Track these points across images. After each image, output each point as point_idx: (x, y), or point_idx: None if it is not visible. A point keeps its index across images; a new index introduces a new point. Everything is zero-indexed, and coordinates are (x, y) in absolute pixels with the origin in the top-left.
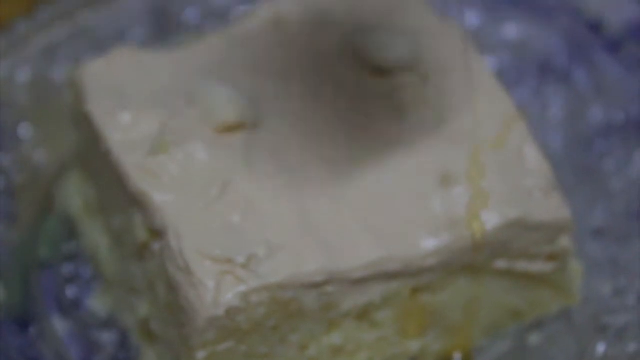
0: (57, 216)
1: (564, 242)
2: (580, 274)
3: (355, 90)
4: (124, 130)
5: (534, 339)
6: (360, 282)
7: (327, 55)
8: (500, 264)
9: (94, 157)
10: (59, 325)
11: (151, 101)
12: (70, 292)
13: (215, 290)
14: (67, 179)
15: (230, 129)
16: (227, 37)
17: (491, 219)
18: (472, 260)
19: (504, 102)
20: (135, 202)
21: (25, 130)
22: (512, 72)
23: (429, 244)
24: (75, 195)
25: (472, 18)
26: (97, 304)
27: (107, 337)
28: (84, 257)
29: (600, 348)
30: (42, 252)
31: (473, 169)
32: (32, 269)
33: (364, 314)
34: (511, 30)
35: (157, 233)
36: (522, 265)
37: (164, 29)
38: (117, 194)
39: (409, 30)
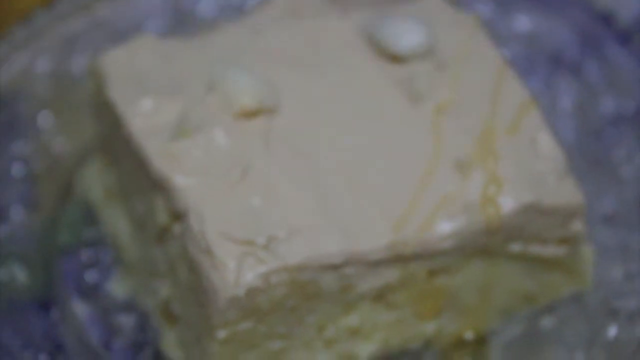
0: (77, 202)
1: (577, 226)
2: (592, 258)
3: (372, 77)
4: (146, 116)
5: (546, 322)
6: (377, 264)
7: (343, 43)
8: (514, 247)
9: (115, 144)
10: (80, 309)
11: (172, 88)
12: (91, 276)
13: (236, 271)
14: (88, 165)
15: (250, 114)
16: (245, 25)
17: (505, 203)
18: (487, 244)
19: (518, 90)
20: (156, 186)
21: (45, 119)
22: (524, 63)
23: (444, 228)
24: (95, 181)
25: (484, 10)
26: (117, 287)
27: (127, 320)
28: (104, 242)
29: (612, 331)
30: (62, 237)
31: (487, 154)
32: (53, 254)
33: (380, 296)
34: (522, 21)
35: (179, 216)
36: (536, 249)
37: (180, 21)
38: (138, 178)
39: (424, 19)
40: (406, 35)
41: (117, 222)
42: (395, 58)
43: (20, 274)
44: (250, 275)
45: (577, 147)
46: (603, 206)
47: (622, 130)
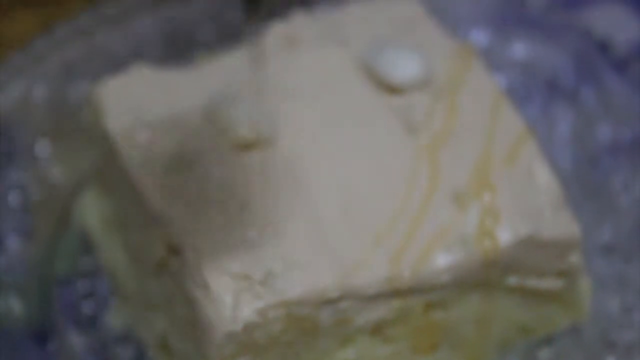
0: (74, 232)
1: (574, 259)
2: (589, 290)
3: (368, 107)
4: (142, 148)
5: (543, 354)
6: (374, 298)
7: (340, 73)
8: (512, 280)
9: (112, 174)
10: (77, 341)
11: (169, 119)
12: (88, 307)
13: (233, 306)
14: (84, 195)
15: (247, 146)
16: (242, 55)
17: (502, 236)
18: (484, 277)
19: (514, 120)
20: (153, 219)
21: (42, 147)
22: (520, 90)
23: (441, 261)
24: (92, 211)
25: (481, 36)
26: (114, 319)
27: (124, 352)
28: (101, 273)
29: None
30: (59, 267)
31: (484, 186)
32: (49, 285)
33: (377, 330)
34: (519, 49)
35: (175, 250)
36: (533, 282)
37: (178, 47)
38: (135, 211)
39: (420, 49)
40: (403, 66)
41: (114, 253)
42: (392, 88)
43: (16, 305)
44: (247, 311)
45: (574, 175)
46: (600, 236)
47: (620, 158)
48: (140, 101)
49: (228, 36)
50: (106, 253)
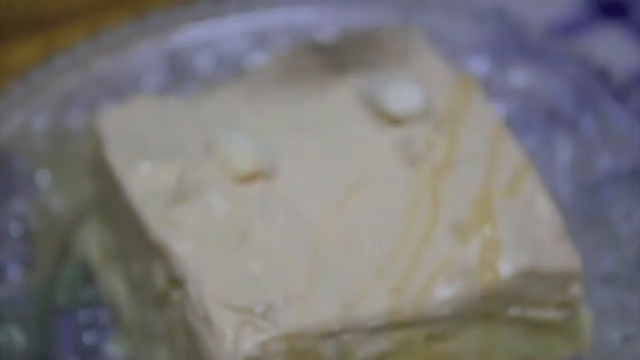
0: (74, 262)
1: (575, 290)
2: (590, 320)
3: (369, 139)
4: (144, 180)
5: None
6: (376, 330)
7: (341, 104)
8: (513, 311)
9: (113, 205)
10: None
11: (170, 151)
12: (88, 338)
13: (234, 340)
14: (85, 225)
15: (248, 178)
16: (243, 86)
17: (504, 268)
18: (485, 309)
19: (515, 151)
20: (155, 251)
21: (42, 177)
22: (520, 119)
23: (442, 293)
24: (93, 242)
25: (481, 65)
26: (115, 350)
27: None
28: (102, 303)
29: None
30: (60, 298)
31: (485, 218)
32: (50, 315)
33: None
34: (519, 77)
35: (177, 282)
36: (534, 313)
37: (178, 75)
38: (136, 242)
39: (420, 80)
40: (403, 97)
41: (115, 284)
42: (393, 120)
43: (17, 335)
44: (249, 345)
45: (574, 204)
46: (601, 266)
47: (620, 188)
48: (141, 132)
49: (227, 64)
50: (107, 284)
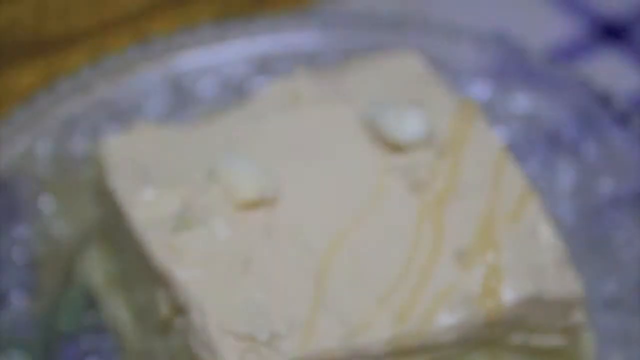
0: (78, 288)
1: (577, 316)
2: (593, 346)
3: (372, 165)
4: (147, 207)
5: None
6: (379, 357)
7: (344, 130)
8: (516, 338)
9: (116, 232)
10: None
11: (173, 177)
12: None
13: None
14: (89, 251)
15: (251, 205)
16: (245, 112)
17: (506, 295)
18: (488, 335)
19: (517, 178)
20: (158, 278)
21: (45, 203)
22: (522, 143)
23: (445, 320)
24: (96, 267)
25: (483, 90)
26: None
27: None
28: (105, 329)
29: None
30: (63, 323)
31: (488, 245)
32: (53, 341)
33: None
34: (521, 102)
35: (181, 309)
36: (537, 339)
37: (181, 100)
38: (139, 269)
39: (422, 106)
40: (406, 124)
41: (118, 309)
42: (395, 146)
43: None
44: None
45: (577, 229)
46: (603, 290)
47: (622, 212)
48: (144, 159)
49: (230, 89)
50: (110, 310)
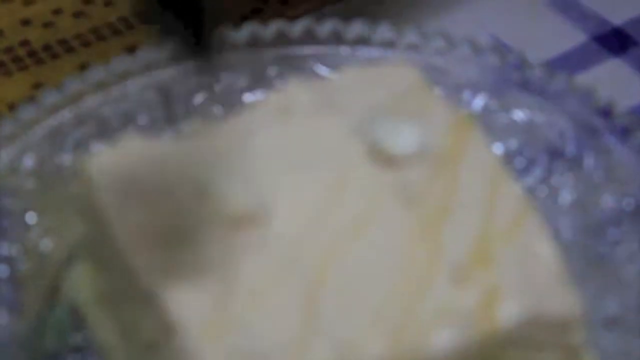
0: (64, 306)
1: (577, 335)
2: None
3: (365, 180)
4: (135, 223)
5: None
6: None
7: (336, 144)
8: (513, 357)
9: (102, 249)
10: None
11: (161, 193)
12: None
13: None
14: (75, 268)
15: (240, 222)
16: (236, 125)
17: (503, 314)
18: (485, 354)
19: (514, 193)
20: (145, 297)
21: (31, 218)
22: (521, 157)
23: (441, 340)
24: (82, 285)
25: (481, 102)
26: None
27: None
28: (92, 348)
29: None
30: (48, 342)
31: (484, 262)
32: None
33: None
34: (520, 115)
35: (169, 328)
36: (535, 358)
37: (170, 113)
38: (126, 287)
39: (418, 119)
40: (401, 138)
41: (105, 329)
42: (390, 160)
43: None
44: None
45: (577, 244)
46: (604, 309)
47: (623, 228)
48: (131, 174)
49: (221, 102)
50: (97, 329)
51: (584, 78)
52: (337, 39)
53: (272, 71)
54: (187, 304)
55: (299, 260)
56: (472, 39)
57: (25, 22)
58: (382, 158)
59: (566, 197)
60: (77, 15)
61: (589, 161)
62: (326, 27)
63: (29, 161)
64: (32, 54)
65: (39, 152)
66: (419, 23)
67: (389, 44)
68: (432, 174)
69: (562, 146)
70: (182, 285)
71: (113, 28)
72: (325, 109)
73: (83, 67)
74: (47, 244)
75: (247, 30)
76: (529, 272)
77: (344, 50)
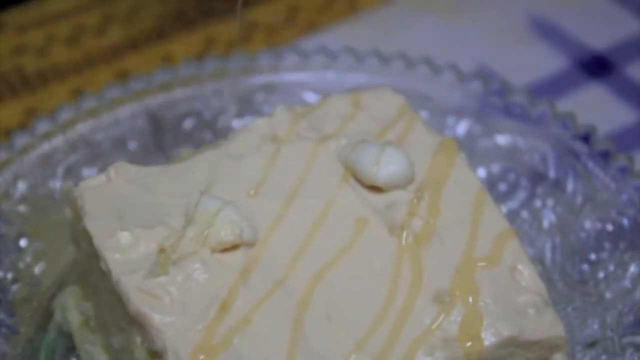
0: (55, 330)
1: (559, 357)
2: None
3: (351, 206)
4: (123, 250)
5: None
6: None
7: (323, 170)
8: None
9: (93, 274)
10: None
11: (150, 219)
12: None
13: None
14: (66, 293)
15: (229, 247)
16: (224, 152)
17: (486, 338)
18: None
19: (497, 218)
20: (134, 322)
21: (23, 243)
22: (504, 181)
23: None
24: (74, 310)
25: (465, 128)
26: None
27: None
28: None
29: None
30: None
31: (467, 287)
32: None
33: None
34: (503, 139)
35: (157, 354)
36: None
37: (160, 139)
38: (116, 312)
39: (403, 145)
40: (385, 165)
41: (95, 353)
42: (375, 187)
43: None
44: None
45: (558, 266)
46: (585, 330)
47: (603, 250)
48: (120, 200)
49: (209, 128)
50: (88, 353)
51: (565, 102)
52: (324, 66)
53: (260, 97)
54: (175, 328)
55: (285, 285)
56: (456, 65)
57: (19, 50)
58: (367, 183)
59: (547, 219)
60: (69, 42)
61: (570, 185)
62: (313, 54)
63: (21, 187)
64: (24, 80)
65: (32, 178)
66: (402, 50)
67: (375, 71)
68: (416, 199)
69: (544, 170)
70: (170, 310)
71: (104, 55)
72: (311, 135)
73: (75, 92)
74: (39, 269)
75: (235, 58)
76: (511, 295)
77: (331, 76)
